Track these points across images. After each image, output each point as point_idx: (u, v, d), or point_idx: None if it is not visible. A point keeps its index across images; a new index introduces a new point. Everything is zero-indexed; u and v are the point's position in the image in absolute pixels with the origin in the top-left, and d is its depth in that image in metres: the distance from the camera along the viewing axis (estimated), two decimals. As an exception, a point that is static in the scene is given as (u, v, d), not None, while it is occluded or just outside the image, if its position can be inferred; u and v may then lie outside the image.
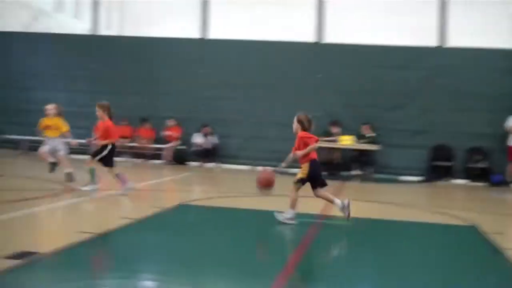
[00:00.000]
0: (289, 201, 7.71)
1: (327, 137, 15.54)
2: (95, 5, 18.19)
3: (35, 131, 11.73)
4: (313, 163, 7.72)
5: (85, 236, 6.35)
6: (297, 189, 7.73)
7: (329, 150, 15.54)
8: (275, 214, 7.80)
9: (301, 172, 7.76)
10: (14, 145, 17.18)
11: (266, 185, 8.01)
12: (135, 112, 16.94)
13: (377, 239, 7.37)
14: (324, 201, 7.97)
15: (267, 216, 7.93)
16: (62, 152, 11.29)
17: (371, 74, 16.16)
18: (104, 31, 18.76)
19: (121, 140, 16.94)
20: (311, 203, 8.42)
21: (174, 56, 17.28)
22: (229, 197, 10.44)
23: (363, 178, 15.13)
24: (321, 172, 7.92)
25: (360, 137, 15.61)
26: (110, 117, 9.90)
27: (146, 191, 11.14)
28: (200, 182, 13.60)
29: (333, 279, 5.42)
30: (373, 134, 15.58)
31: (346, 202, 7.75)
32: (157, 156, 16.87)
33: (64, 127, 11.42)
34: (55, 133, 11.32)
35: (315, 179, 7.77)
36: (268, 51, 16.94)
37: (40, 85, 17.45)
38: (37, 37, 18.92)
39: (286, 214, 7.73)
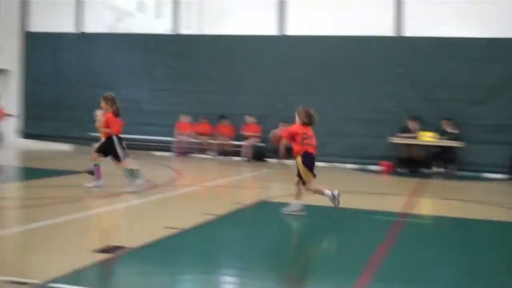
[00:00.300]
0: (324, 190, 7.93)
1: (405, 132, 15.28)
2: (175, 5, 18.60)
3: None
4: (305, 157, 7.83)
5: (171, 232, 6.57)
6: (298, 182, 7.96)
7: (408, 147, 15.27)
8: (282, 210, 8.01)
9: (296, 167, 7.92)
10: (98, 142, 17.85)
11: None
12: (215, 109, 17.23)
13: (461, 239, 7.22)
14: (405, 199, 7.89)
15: (346, 213, 7.93)
16: None
17: (453, 68, 15.72)
18: (184, 30, 19.14)
19: (202, 137, 17.36)
20: (391, 201, 8.35)
21: (252, 53, 17.44)
22: (307, 194, 10.47)
23: (446, 176, 14.77)
24: (314, 165, 7.95)
25: (442, 133, 15.23)
26: (116, 110, 9.88)
27: (227, 187, 11.35)
28: (279, 179, 13.70)
29: (417, 279, 5.38)
30: (456, 131, 15.14)
31: (336, 192, 7.89)
32: (236, 153, 17.10)
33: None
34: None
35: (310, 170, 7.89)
36: (346, 45, 16.80)
37: (123, 85, 18.04)
38: (120, 37, 19.59)
39: (291, 207, 7.97)
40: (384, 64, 16.33)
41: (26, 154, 17.18)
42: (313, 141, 8.05)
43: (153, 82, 18.00)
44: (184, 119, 17.37)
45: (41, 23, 18.87)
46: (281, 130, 8.16)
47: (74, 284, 4.64)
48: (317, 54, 16.87)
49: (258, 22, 18.33)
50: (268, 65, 17.22)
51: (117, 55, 18.40)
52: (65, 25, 18.81)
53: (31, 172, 12.45)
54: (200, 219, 7.43)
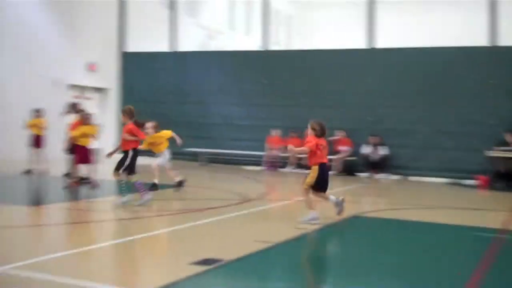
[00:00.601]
0: (306, 205, 8.23)
1: (502, 146, 14.68)
2: (265, 22, 18.88)
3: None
4: (321, 167, 8.20)
5: (265, 245, 6.66)
6: (307, 191, 8.23)
7: (506, 160, 14.65)
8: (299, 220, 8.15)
9: (310, 176, 8.19)
10: (194, 157, 18.34)
11: None
12: (304, 123, 17.21)
13: None
14: (505, 214, 7.61)
15: (440, 229, 7.73)
16: (158, 163, 11.75)
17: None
18: (273, 46, 19.40)
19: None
20: (490, 217, 8.07)
21: (342, 67, 17.36)
22: (400, 209, 10.30)
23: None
24: (328, 176, 8.35)
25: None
26: (135, 122, 9.79)
27: (317, 202, 11.33)
28: (370, 193, 13.53)
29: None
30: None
31: (340, 199, 8.38)
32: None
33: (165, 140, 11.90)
34: (159, 148, 11.80)
35: (321, 184, 8.23)
36: (436, 57, 16.41)
37: (214, 100, 18.49)
38: (211, 54, 20.11)
39: (307, 217, 8.15)
40: (477, 75, 15.81)
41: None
42: (326, 152, 8.45)
43: (243, 98, 18.30)
44: (274, 133, 17.54)
45: (137, 44, 19.66)
46: (304, 142, 8.56)
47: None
48: (408, 66, 16.59)
49: (346, 36, 18.29)
50: (357, 78, 17.09)
51: (208, 72, 18.87)
52: (159, 44, 19.51)
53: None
54: (293, 233, 7.48)
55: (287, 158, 17.39)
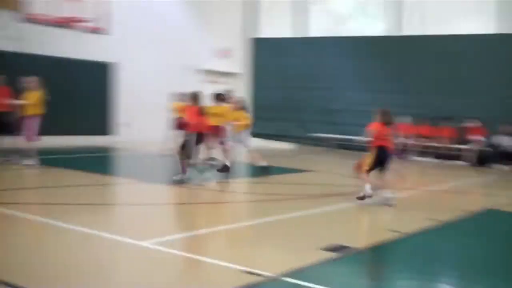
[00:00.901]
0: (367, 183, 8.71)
1: None
2: (396, 6, 18.44)
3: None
4: (379, 150, 8.74)
5: (394, 235, 6.64)
6: (368, 172, 8.81)
7: None
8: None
9: (369, 157, 8.82)
10: (320, 142, 18.46)
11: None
12: (436, 111, 16.80)
13: None
14: None
15: None
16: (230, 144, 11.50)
17: None
18: (403, 31, 18.94)
19: (421, 139, 17.05)
20: None
21: (475, 54, 16.66)
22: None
23: None
24: (387, 158, 8.79)
25: None
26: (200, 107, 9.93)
27: (448, 193, 11.05)
28: (506, 186, 12.93)
29: None
30: None
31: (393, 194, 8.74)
32: (458, 157, 16.48)
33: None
34: (240, 127, 11.53)
35: (380, 164, 8.76)
36: None
37: (343, 86, 18.43)
38: (340, 40, 19.99)
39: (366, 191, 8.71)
40: None
41: (254, 153, 18.35)
42: (388, 137, 8.94)
43: (372, 84, 18.08)
44: (404, 120, 17.19)
45: (268, 29, 20.01)
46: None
47: (305, 280, 4.88)
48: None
49: (478, 21, 17.46)
50: (492, 66, 16.31)
51: (337, 58, 18.83)
52: (289, 30, 19.73)
53: (259, 170, 13.33)
54: (423, 224, 7.39)
55: (416, 146, 17.02)
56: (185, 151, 9.82)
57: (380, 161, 8.80)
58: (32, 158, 10.77)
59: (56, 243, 5.82)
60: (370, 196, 8.68)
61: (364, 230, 7.09)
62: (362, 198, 8.73)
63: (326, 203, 8.74)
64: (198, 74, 20.65)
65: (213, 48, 21.08)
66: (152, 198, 8.96)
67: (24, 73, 11.32)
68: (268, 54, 19.92)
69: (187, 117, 9.95)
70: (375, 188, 8.82)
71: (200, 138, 9.96)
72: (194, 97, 10.08)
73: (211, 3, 20.78)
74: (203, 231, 6.70)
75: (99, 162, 13.13)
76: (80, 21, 13.58)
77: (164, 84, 18.65)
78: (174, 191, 9.60)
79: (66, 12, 13.36)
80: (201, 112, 9.95)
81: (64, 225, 6.33)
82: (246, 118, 11.69)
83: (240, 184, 11.31)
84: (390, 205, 8.60)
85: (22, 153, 10.94)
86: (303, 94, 18.82)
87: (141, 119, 17.21)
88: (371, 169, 8.83)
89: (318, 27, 22.08)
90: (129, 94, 17.07)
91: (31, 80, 10.92)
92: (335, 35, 21.21)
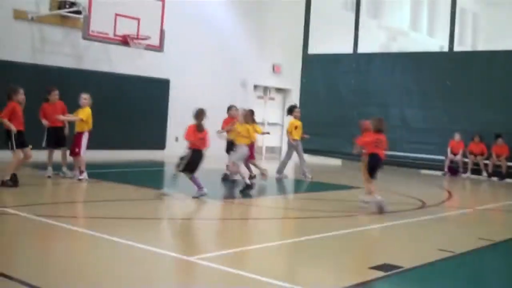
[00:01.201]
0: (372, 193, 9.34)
1: None
2: (451, 22, 18.20)
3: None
4: (370, 157, 9.46)
5: (444, 254, 6.55)
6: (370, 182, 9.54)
7: None
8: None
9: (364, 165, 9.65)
10: (371, 159, 18.32)
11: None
12: (490, 128, 16.48)
13: None
14: None
15: None
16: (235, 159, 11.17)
17: None
18: (457, 47, 18.70)
19: (474, 156, 16.72)
20: None
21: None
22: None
23: None
24: (378, 165, 9.51)
25: None
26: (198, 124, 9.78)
27: (501, 212, 10.82)
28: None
29: None
30: None
31: (380, 199, 9.18)
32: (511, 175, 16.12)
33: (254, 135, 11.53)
34: (245, 140, 11.21)
35: (372, 171, 9.48)
36: None
37: (395, 103, 18.28)
38: (393, 56, 19.91)
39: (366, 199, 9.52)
40: None
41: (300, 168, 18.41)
42: (382, 145, 9.54)
43: (425, 100, 17.88)
44: (457, 137, 16.93)
45: (319, 45, 20.08)
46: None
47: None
48: None
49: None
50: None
51: (389, 74, 18.70)
52: (341, 46, 19.74)
53: (306, 185, 13.37)
54: (476, 243, 7.26)
55: (469, 163, 16.73)
56: (187, 167, 9.70)
57: (372, 167, 9.45)
58: (82, 172, 11.05)
59: (103, 256, 5.98)
60: (382, 204, 9.07)
61: (414, 249, 7.01)
62: (380, 211, 9.02)
63: (373, 220, 8.70)
64: (251, 90, 20.91)
65: (265, 63, 21.30)
66: (200, 213, 9.12)
67: (80, 90, 11.71)
68: (319, 70, 19.97)
69: (186, 134, 9.78)
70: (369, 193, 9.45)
71: (199, 155, 9.76)
72: (197, 114, 9.94)
73: (264, 19, 21.04)
74: (249, 247, 6.75)
75: (150, 176, 13.44)
76: (135, 38, 13.97)
77: (217, 99, 18.97)
78: (220, 207, 9.75)
79: (122, 30, 13.77)
80: (199, 129, 9.76)
81: (112, 238, 6.50)
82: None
83: (284, 200, 11.37)
84: (383, 210, 9.04)
85: (72, 167, 11.26)
86: (355, 110, 18.73)
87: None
88: (370, 176, 9.47)
89: (370, 43, 22.05)
90: (182, 109, 17.38)
91: (84, 97, 11.27)
92: (387, 51, 21.17)
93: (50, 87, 11.56)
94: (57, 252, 6.00)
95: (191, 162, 9.66)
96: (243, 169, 11.83)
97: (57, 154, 11.56)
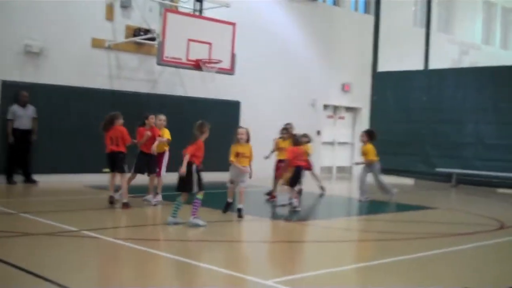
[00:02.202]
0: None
1: None
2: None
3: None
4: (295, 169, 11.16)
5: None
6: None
7: None
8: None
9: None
10: (445, 177, 17.98)
11: None
12: None
13: None
14: None
15: None
16: (245, 184, 10.30)
17: None
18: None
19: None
20: None
21: None
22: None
23: None
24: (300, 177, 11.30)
25: None
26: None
27: None
28: None
29: None
30: None
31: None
32: None
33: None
34: (244, 161, 10.27)
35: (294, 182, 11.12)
36: None
37: (469, 119, 17.88)
38: (466, 71, 19.51)
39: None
40: None
41: (371, 187, 18.23)
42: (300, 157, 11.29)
43: (500, 115, 17.41)
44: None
45: (388, 63, 19.95)
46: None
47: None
48: None
49: None
50: None
51: (463, 90, 18.32)
52: (411, 63, 19.56)
53: (379, 206, 13.25)
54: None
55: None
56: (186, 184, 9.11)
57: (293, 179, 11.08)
58: (157, 195, 11.28)
59: (177, 278, 6.18)
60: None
61: (495, 274, 6.81)
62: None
63: (450, 243, 8.53)
64: (320, 109, 20.97)
65: (334, 82, 21.35)
66: (271, 235, 9.23)
67: (156, 113, 12.09)
68: (390, 87, 19.79)
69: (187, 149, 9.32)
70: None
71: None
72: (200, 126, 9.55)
73: (333, 38, 21.13)
74: (325, 270, 6.71)
75: (221, 198, 13.63)
76: (207, 62, 14.33)
77: (287, 119, 19.08)
78: (288, 228, 9.80)
79: (194, 54, 14.16)
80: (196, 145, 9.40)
81: (187, 260, 6.70)
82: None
83: (354, 222, 11.32)
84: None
85: (154, 190, 11.48)
86: (427, 127, 18.47)
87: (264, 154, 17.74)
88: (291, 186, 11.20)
89: (441, 58, 21.72)
90: (253, 130, 17.65)
91: (163, 118, 11.56)
92: (459, 66, 20.77)
93: (147, 113, 11.55)
94: (137, 275, 6.26)
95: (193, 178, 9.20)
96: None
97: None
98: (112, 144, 10.62)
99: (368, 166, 13.49)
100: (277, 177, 12.47)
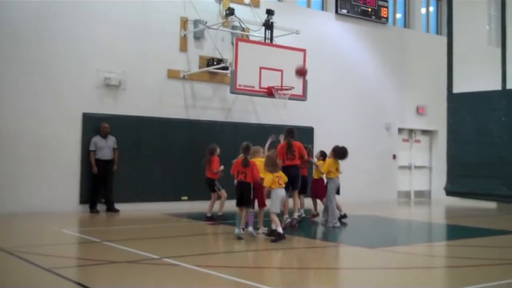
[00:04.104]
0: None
1: None
2: None
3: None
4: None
5: None
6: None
7: None
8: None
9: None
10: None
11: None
12: None
13: None
14: None
15: None
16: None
17: None
18: None
19: None
20: None
21: None
22: None
23: None
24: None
25: None
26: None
27: None
28: None
29: None
30: None
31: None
32: None
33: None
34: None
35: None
36: None
37: None
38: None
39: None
40: None
41: (451, 212, 17.76)
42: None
43: None
44: None
45: (464, 84, 19.47)
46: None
47: None
48: None
49: None
50: None
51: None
52: (488, 83, 19.02)
53: (458, 231, 12.87)
54: None
55: None
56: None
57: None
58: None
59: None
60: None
61: None
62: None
63: None
64: (395, 133, 20.69)
65: (409, 105, 21.05)
66: (348, 262, 9.10)
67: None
68: (466, 109, 19.26)
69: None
70: None
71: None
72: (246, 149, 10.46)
73: (405, 60, 20.91)
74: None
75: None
76: (279, 89, 14.44)
77: (361, 144, 18.98)
78: (364, 254, 9.63)
79: (266, 82, 14.30)
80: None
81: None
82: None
83: (436, 247, 10.99)
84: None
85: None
86: (507, 149, 17.82)
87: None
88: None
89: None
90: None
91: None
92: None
93: (215, 145, 12.88)
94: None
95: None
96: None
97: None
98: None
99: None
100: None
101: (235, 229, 10.28)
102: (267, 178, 10.14)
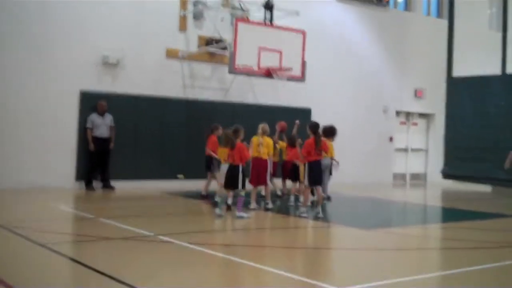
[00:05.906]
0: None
1: None
2: None
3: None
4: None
5: None
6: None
7: None
8: None
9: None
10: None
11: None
12: None
13: None
14: None
15: None
16: None
17: None
18: None
19: None
20: None
21: None
22: None
23: None
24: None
25: None
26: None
27: None
28: None
29: None
30: None
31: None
32: None
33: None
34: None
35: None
36: None
37: None
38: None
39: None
40: None
41: (447, 195, 17.84)
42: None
43: None
44: None
45: (463, 68, 19.43)
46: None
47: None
48: None
49: None
50: None
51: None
52: (488, 67, 18.98)
53: (453, 213, 12.94)
54: None
55: None
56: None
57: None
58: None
59: (247, 282, 6.25)
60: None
61: None
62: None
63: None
64: (392, 116, 20.69)
65: (407, 88, 21.02)
66: (345, 242, 9.16)
67: (228, 121, 12.31)
68: (465, 93, 19.25)
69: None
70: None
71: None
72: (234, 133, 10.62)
73: (405, 43, 20.83)
74: (405, 279, 6.57)
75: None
76: (278, 70, 14.40)
77: (358, 126, 19.01)
78: (363, 235, 9.70)
79: (265, 62, 14.25)
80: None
81: (261, 267, 6.78)
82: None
83: (431, 230, 11.04)
84: None
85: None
86: (505, 133, 17.84)
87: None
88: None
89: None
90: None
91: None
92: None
93: (216, 124, 12.86)
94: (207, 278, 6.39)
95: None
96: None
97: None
98: None
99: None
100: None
101: (215, 209, 10.56)
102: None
